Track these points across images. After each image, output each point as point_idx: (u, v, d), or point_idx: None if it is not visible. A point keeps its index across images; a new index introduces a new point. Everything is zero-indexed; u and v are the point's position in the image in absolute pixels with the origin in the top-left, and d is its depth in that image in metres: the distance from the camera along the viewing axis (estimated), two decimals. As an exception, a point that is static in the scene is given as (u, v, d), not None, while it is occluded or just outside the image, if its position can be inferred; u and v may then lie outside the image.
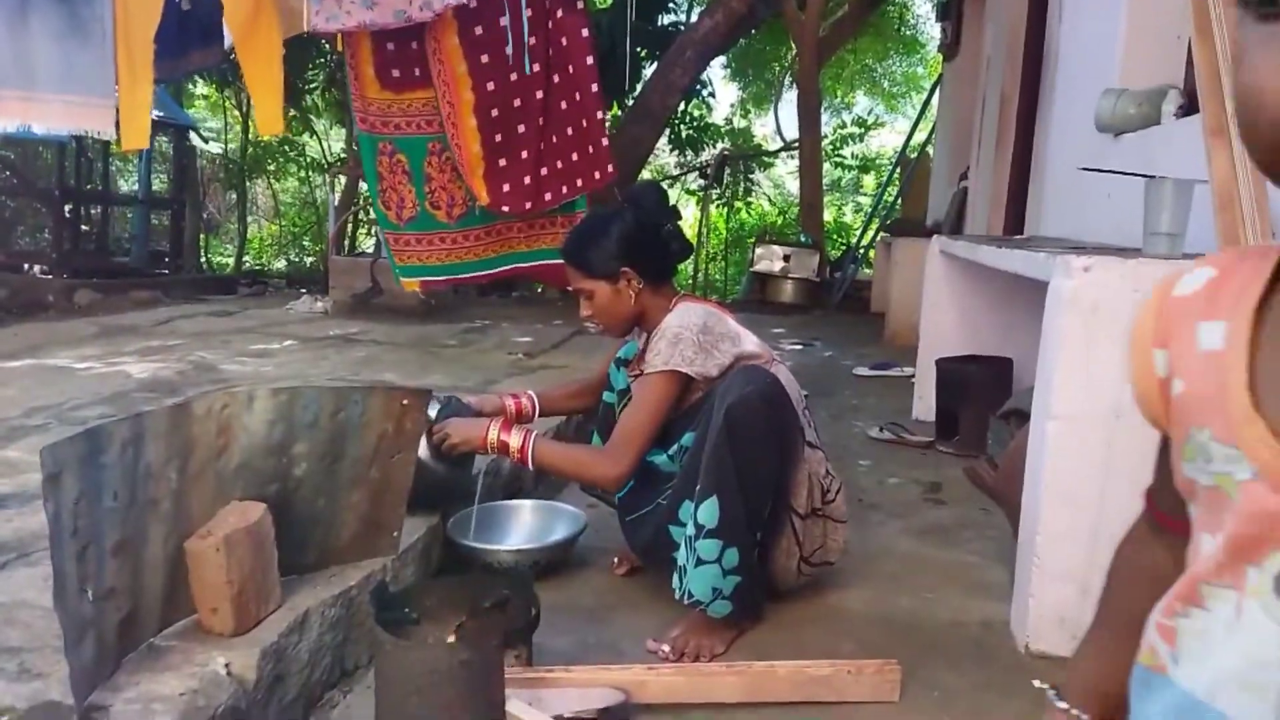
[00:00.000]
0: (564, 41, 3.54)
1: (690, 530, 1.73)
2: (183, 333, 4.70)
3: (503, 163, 3.58)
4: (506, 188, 3.58)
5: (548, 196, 3.64)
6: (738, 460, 1.68)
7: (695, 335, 1.83)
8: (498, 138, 3.58)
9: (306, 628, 1.47)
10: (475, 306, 6.64)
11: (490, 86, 3.54)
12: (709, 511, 1.70)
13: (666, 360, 1.82)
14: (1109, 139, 2.94)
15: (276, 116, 4.29)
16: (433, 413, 1.96)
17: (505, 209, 3.64)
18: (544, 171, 3.60)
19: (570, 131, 3.57)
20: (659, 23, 8.61)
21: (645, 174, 12.99)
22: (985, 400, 3.04)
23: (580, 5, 3.60)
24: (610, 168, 3.66)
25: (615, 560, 2.12)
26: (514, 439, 1.88)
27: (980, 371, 3.22)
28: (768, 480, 1.74)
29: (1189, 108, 2.59)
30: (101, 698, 1.20)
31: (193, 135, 9.36)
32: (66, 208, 7.73)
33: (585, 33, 3.56)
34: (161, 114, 7.57)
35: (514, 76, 3.54)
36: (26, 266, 7.68)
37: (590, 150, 3.59)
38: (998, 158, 4.94)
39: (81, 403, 2.96)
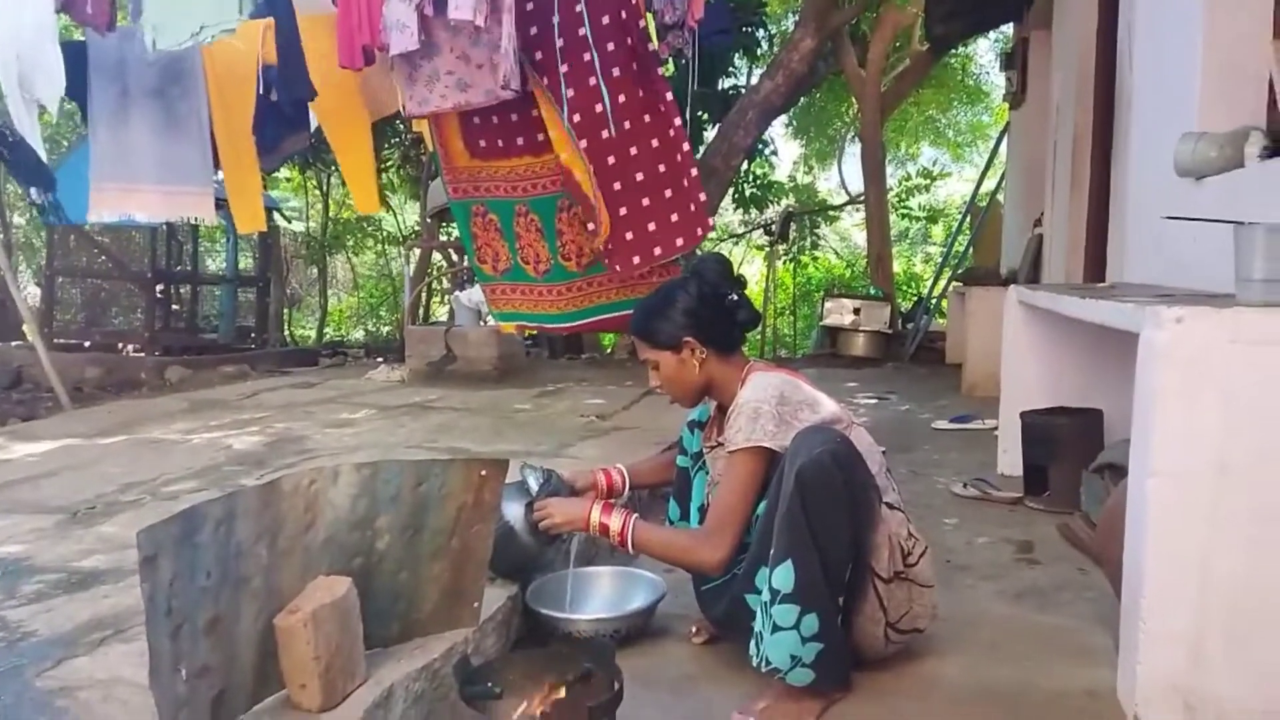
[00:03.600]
0: (651, 114, 3.63)
1: (766, 596, 1.69)
2: (268, 405, 4.85)
3: (623, 211, 3.66)
4: (630, 236, 3.65)
5: (656, 251, 3.69)
6: (812, 522, 1.65)
7: (774, 408, 1.82)
8: (616, 186, 3.67)
9: (391, 703, 1.48)
10: (547, 369, 6.72)
11: (584, 144, 3.66)
12: (784, 576, 1.66)
13: (748, 437, 1.81)
14: (1190, 183, 2.85)
15: (373, 197, 4.53)
16: (533, 483, 1.98)
17: (636, 259, 3.70)
18: (651, 227, 3.66)
19: (669, 193, 3.64)
20: (719, 86, 8.74)
21: (710, 234, 13.10)
22: (1076, 454, 2.92)
23: (661, 73, 3.72)
24: (710, 223, 3.74)
25: (694, 629, 2.08)
26: (614, 522, 1.90)
27: (1069, 424, 3.10)
28: (844, 542, 1.70)
29: (1274, 149, 2.50)
30: (195, 777, 1.22)
31: (276, 215, 9.80)
32: (158, 289, 8.17)
33: (670, 97, 3.67)
34: (247, 196, 7.97)
35: (605, 134, 3.64)
36: (120, 346, 8.10)
37: (690, 209, 3.65)
38: (1073, 204, 4.84)
39: (174, 477, 3.06)
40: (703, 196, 3.71)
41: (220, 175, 4.48)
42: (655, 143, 3.64)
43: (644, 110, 3.64)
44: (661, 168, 3.65)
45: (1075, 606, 2.25)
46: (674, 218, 3.64)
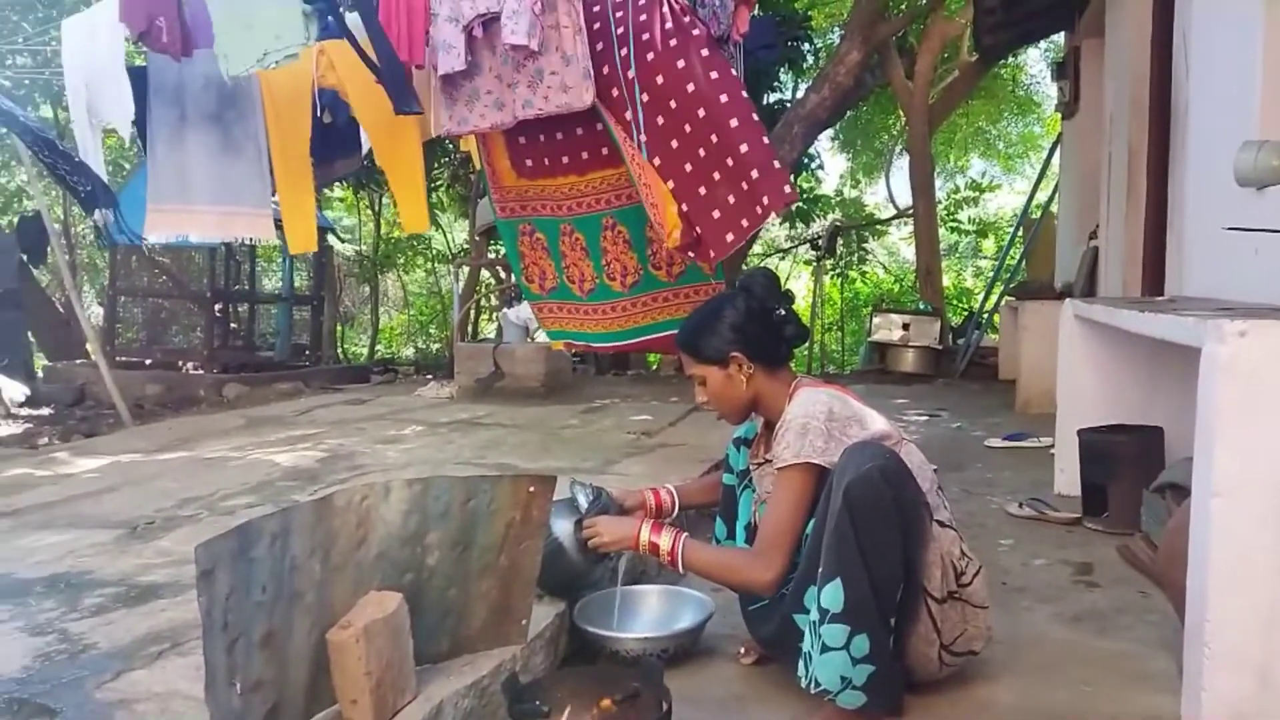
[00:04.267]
0: (695, 83, 3.50)
1: (814, 615, 1.67)
2: (321, 421, 4.94)
3: (703, 191, 3.45)
4: (717, 214, 3.41)
5: (744, 224, 3.39)
6: (861, 540, 1.63)
7: (823, 424, 1.80)
8: (688, 167, 3.47)
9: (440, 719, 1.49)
10: (594, 386, 6.74)
11: (644, 138, 3.57)
12: (833, 595, 1.63)
13: (797, 453, 1.79)
14: (1251, 193, 2.77)
15: (422, 216, 4.60)
16: (582, 500, 1.99)
17: (730, 237, 3.41)
18: (731, 200, 3.39)
19: (731, 161, 3.37)
20: (765, 101, 8.74)
21: (756, 248, 13.09)
22: (1136, 473, 2.84)
23: (705, 52, 3.48)
24: (788, 188, 3.35)
25: (742, 649, 2.06)
26: (664, 541, 1.90)
27: (1129, 442, 3.02)
28: (895, 560, 1.67)
29: (1342, 155, 2.42)
30: (249, 790, 1.24)
31: (330, 235, 9.99)
32: (216, 307, 8.37)
33: (715, 74, 3.42)
34: (302, 217, 8.11)
35: (659, 120, 3.48)
36: (180, 364, 8.31)
37: (766, 170, 3.32)
38: (1129, 215, 4.73)
39: (230, 492, 3.13)
40: (776, 163, 3.34)
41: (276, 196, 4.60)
42: (702, 112, 3.41)
43: (687, 80, 3.44)
44: (714, 138, 3.39)
45: (1136, 630, 2.18)
46: (744, 185, 3.34)
